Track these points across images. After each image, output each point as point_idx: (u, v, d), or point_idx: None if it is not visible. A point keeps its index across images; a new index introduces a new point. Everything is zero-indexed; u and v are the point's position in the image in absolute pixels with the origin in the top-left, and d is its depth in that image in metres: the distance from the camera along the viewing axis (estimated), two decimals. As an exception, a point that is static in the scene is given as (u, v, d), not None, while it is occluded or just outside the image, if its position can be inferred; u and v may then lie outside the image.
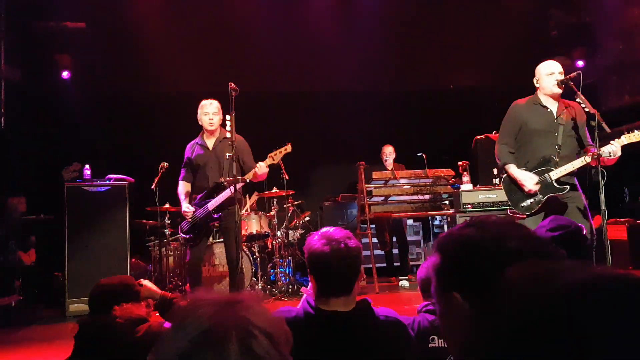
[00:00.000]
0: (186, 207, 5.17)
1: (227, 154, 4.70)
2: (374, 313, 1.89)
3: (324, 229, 1.95)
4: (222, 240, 6.61)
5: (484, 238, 1.06)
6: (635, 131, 4.00)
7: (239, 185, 4.92)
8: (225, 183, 5.01)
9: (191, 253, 5.24)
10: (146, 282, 2.62)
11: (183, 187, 5.32)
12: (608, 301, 0.57)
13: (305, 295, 2.19)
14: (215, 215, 5.12)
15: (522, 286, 0.64)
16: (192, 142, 5.37)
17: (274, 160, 5.04)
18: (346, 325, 1.81)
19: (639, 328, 0.55)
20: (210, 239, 7.05)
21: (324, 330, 1.79)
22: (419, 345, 2.09)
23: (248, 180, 5.10)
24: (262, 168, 4.99)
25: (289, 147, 5.09)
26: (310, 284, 2.21)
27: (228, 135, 5.11)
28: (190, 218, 5.16)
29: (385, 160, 7.40)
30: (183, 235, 5.28)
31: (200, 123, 5.26)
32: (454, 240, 1.15)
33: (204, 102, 5.25)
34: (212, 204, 5.09)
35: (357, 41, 8.35)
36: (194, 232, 5.19)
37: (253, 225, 6.85)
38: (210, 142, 5.27)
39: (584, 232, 2.68)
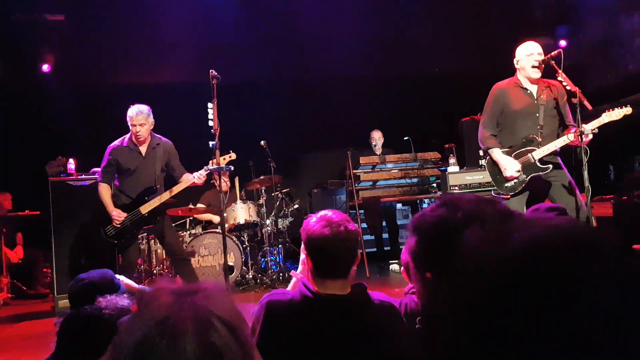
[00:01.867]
0: (118, 213, 5.11)
1: (211, 142, 4.65)
2: (370, 297, 1.90)
3: (322, 212, 1.94)
4: (210, 231, 6.68)
5: (455, 217, 1.06)
6: (616, 109, 4.02)
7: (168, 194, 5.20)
8: (157, 187, 5.16)
9: (123, 257, 5.28)
10: (122, 278, 2.60)
11: (106, 190, 5.23)
12: (561, 255, 0.55)
13: (298, 278, 2.19)
14: (148, 219, 5.21)
15: (477, 249, 0.61)
16: (118, 144, 5.26)
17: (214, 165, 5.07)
18: (344, 309, 1.81)
19: (593, 281, 0.53)
20: (199, 229, 7.08)
21: (322, 313, 1.79)
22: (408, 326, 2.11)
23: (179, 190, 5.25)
24: (200, 176, 5.11)
25: (233, 155, 5.19)
26: (300, 267, 2.20)
27: (158, 141, 5.26)
28: (119, 224, 5.13)
29: (374, 145, 7.40)
30: (109, 239, 5.19)
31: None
32: (427, 221, 1.15)
33: (130, 111, 5.10)
34: (145, 208, 5.15)
35: (343, 26, 8.30)
36: (123, 237, 5.18)
37: (241, 214, 6.84)
38: (142, 149, 5.24)
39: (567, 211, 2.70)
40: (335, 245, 1.82)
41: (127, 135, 5.28)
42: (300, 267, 2.22)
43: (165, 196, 5.21)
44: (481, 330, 0.56)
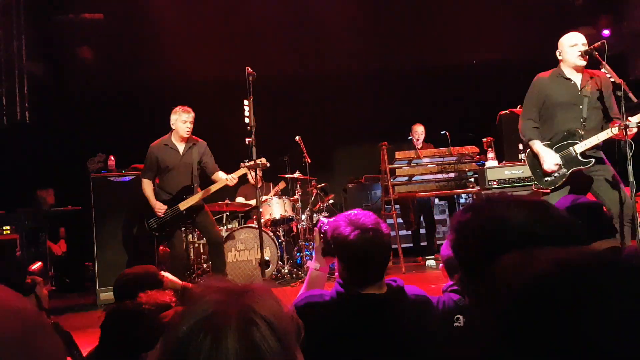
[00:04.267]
0: (160, 206, 5.45)
1: (247, 139, 4.69)
2: (406, 294, 1.87)
3: (350, 213, 1.87)
4: (246, 225, 6.75)
5: (478, 224, 1.06)
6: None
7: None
8: (195, 186, 5.49)
9: (171, 248, 5.58)
10: (167, 274, 2.64)
11: (149, 185, 5.56)
12: (575, 285, 0.58)
13: (314, 268, 2.18)
14: (185, 215, 5.49)
15: (503, 276, 0.66)
16: (158, 142, 5.59)
17: (247, 171, 5.31)
18: (383, 308, 1.78)
19: (610, 311, 0.55)
20: (236, 224, 7.17)
21: (363, 314, 1.76)
22: (444, 325, 2.08)
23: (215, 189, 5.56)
24: (232, 180, 5.38)
25: (264, 160, 5.23)
26: (314, 256, 2.18)
27: (195, 141, 5.57)
28: (162, 215, 5.46)
29: (417, 140, 7.29)
30: (151, 231, 5.57)
31: (173, 126, 5.50)
32: (453, 225, 1.16)
33: (182, 112, 5.46)
34: (183, 205, 5.45)
35: (377, 18, 8.24)
36: (163, 230, 5.52)
37: (277, 209, 6.88)
38: (181, 147, 5.55)
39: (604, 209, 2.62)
40: (370, 252, 1.77)
41: (167, 135, 5.57)
42: (314, 256, 2.20)
43: (202, 195, 5.49)
44: (512, 340, 0.60)
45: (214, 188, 5.57)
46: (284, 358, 0.82)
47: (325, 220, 2.16)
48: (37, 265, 2.81)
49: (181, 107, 5.49)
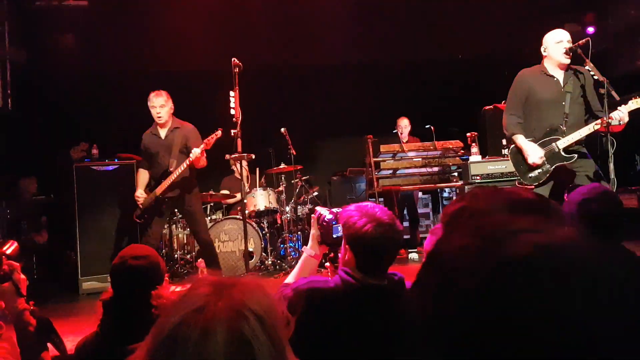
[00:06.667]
0: (140, 192, 5.44)
1: (232, 131, 4.68)
2: (405, 286, 1.91)
3: (364, 206, 1.90)
4: (230, 217, 6.74)
5: (461, 216, 1.08)
6: (644, 96, 3.94)
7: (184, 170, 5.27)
8: (171, 170, 5.31)
9: (145, 235, 5.47)
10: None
11: (141, 174, 5.59)
12: (558, 270, 0.51)
13: (309, 255, 2.20)
14: (163, 199, 5.40)
15: (458, 259, 0.57)
16: (147, 131, 5.57)
17: (207, 146, 5.17)
18: (387, 298, 1.82)
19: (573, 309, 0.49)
20: (220, 215, 7.16)
21: (368, 301, 1.80)
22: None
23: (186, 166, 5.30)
24: (195, 153, 5.17)
25: (219, 133, 5.22)
26: (310, 242, 2.20)
27: (178, 125, 5.43)
28: (140, 204, 5.43)
29: (401, 133, 7.34)
30: (137, 220, 5.54)
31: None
32: (443, 216, 1.17)
33: (150, 95, 5.37)
34: (159, 189, 5.38)
35: (362, 11, 8.23)
36: (143, 216, 5.48)
37: (261, 201, 6.88)
38: (162, 132, 5.48)
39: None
40: (384, 245, 1.82)
41: (154, 122, 5.51)
42: (310, 243, 2.22)
43: (173, 176, 5.29)
44: (453, 336, 0.53)
45: (180, 169, 5.25)
46: (273, 352, 0.84)
47: (322, 209, 2.17)
48: (12, 248, 2.64)
49: (153, 91, 5.38)
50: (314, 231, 2.20)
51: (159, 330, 0.84)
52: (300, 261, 2.27)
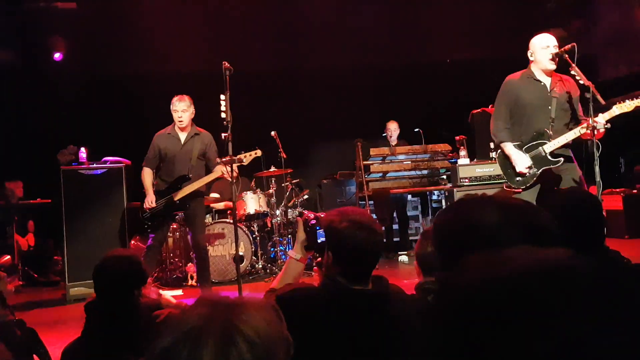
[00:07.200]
0: (152, 199, 5.34)
1: (223, 134, 4.67)
2: (389, 290, 1.90)
3: (345, 211, 1.90)
4: (220, 220, 6.73)
5: (455, 225, 1.11)
6: (627, 101, 3.98)
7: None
8: (190, 176, 5.31)
9: (153, 238, 5.39)
10: (164, 294, 2.56)
11: (148, 174, 5.46)
12: (545, 291, 0.57)
13: (294, 258, 2.20)
14: (179, 205, 5.35)
15: (473, 271, 0.65)
16: (163, 131, 5.51)
17: (243, 162, 5.11)
18: (371, 303, 1.81)
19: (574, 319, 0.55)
20: (210, 219, 7.13)
21: (351, 308, 1.78)
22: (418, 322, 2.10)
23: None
24: (228, 174, 5.04)
25: (259, 152, 5.27)
26: (296, 246, 2.20)
27: (198, 131, 5.42)
28: (149, 208, 5.35)
29: (390, 137, 7.38)
30: (144, 220, 5.43)
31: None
32: (434, 224, 1.20)
33: (173, 101, 5.36)
34: (177, 194, 5.32)
35: (352, 15, 8.26)
36: (156, 219, 5.38)
37: (252, 204, 6.87)
38: (182, 136, 5.44)
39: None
40: (366, 250, 1.81)
41: (171, 125, 5.49)
42: (296, 246, 2.22)
43: (197, 185, 5.32)
44: (461, 343, 0.59)
45: (208, 179, 5.40)
46: None
47: (309, 213, 2.18)
48: (5, 259, 2.70)
49: (177, 95, 5.38)
50: (299, 235, 2.20)
51: (155, 348, 0.84)
52: (285, 265, 2.27)
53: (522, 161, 4.17)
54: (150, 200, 5.32)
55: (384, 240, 6.28)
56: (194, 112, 5.42)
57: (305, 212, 2.21)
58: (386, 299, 1.86)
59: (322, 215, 2.10)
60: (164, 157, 5.44)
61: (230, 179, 5.07)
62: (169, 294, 2.62)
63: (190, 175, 5.34)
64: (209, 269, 5.64)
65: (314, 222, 2.13)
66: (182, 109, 5.31)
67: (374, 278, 1.89)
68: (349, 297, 1.80)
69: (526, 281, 0.58)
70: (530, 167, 4.17)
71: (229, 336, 0.82)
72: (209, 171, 5.47)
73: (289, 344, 0.92)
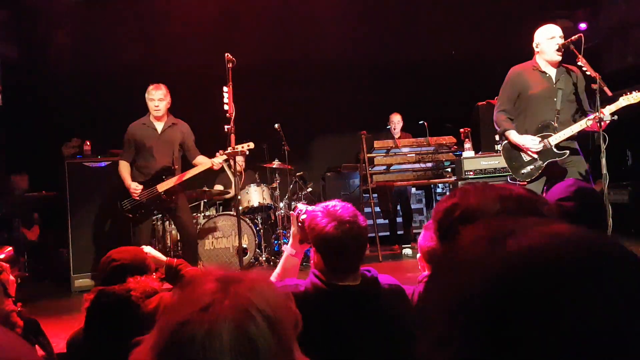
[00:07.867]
0: (135, 185, 5.22)
1: (226, 126, 4.67)
2: (380, 285, 1.89)
3: (328, 205, 1.90)
4: (224, 213, 6.73)
5: (454, 213, 1.08)
6: (634, 92, 3.94)
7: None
8: (175, 167, 5.26)
9: (137, 232, 5.36)
10: (149, 250, 2.61)
11: (125, 167, 5.35)
12: (555, 270, 0.50)
13: (289, 254, 2.20)
14: (164, 198, 5.27)
15: (473, 248, 0.56)
16: (137, 122, 5.41)
17: (241, 154, 5.25)
18: (357, 300, 1.81)
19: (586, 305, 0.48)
20: (213, 211, 7.13)
21: (338, 305, 1.78)
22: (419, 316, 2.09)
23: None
24: (217, 161, 5.20)
25: (251, 144, 5.25)
26: (291, 240, 2.19)
27: (175, 121, 5.36)
28: (137, 197, 5.24)
29: (394, 129, 7.36)
30: (124, 213, 5.33)
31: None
32: (436, 212, 1.18)
33: (149, 87, 5.26)
34: (162, 186, 5.23)
35: (357, 8, 8.21)
36: (138, 211, 5.29)
37: (255, 197, 6.87)
38: (158, 126, 5.36)
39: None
40: (349, 244, 1.80)
41: (145, 115, 5.41)
42: (290, 241, 2.22)
43: (186, 176, 5.29)
44: (462, 332, 0.52)
45: (195, 170, 5.34)
46: (280, 351, 0.82)
47: (302, 206, 2.17)
48: (7, 250, 2.72)
49: (152, 84, 5.29)
50: (293, 229, 2.19)
51: (166, 326, 0.82)
52: (281, 260, 2.26)
53: (531, 142, 4.11)
54: (134, 187, 5.20)
55: (370, 234, 6.32)
56: (170, 101, 5.33)
57: (299, 205, 2.21)
58: (375, 295, 1.85)
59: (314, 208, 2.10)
60: (141, 148, 5.31)
61: (215, 170, 5.12)
62: (154, 251, 2.65)
63: (175, 167, 5.28)
64: (197, 254, 5.68)
65: (304, 215, 2.12)
66: (158, 97, 5.22)
67: (363, 272, 1.88)
68: (335, 294, 1.80)
69: (543, 258, 0.51)
70: (542, 144, 4.10)
71: (246, 311, 0.81)
72: (186, 161, 5.41)
73: (297, 318, 0.91)
